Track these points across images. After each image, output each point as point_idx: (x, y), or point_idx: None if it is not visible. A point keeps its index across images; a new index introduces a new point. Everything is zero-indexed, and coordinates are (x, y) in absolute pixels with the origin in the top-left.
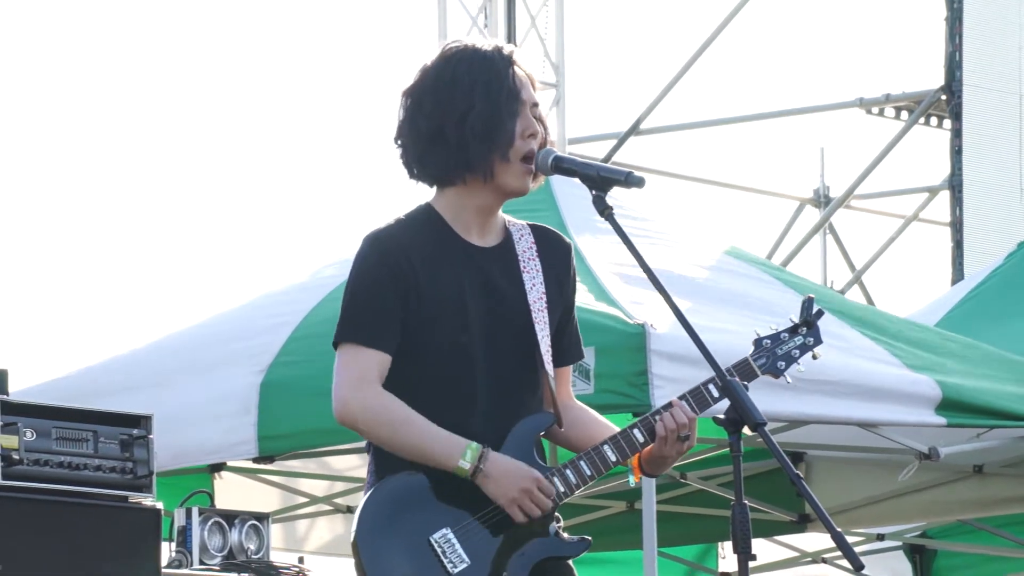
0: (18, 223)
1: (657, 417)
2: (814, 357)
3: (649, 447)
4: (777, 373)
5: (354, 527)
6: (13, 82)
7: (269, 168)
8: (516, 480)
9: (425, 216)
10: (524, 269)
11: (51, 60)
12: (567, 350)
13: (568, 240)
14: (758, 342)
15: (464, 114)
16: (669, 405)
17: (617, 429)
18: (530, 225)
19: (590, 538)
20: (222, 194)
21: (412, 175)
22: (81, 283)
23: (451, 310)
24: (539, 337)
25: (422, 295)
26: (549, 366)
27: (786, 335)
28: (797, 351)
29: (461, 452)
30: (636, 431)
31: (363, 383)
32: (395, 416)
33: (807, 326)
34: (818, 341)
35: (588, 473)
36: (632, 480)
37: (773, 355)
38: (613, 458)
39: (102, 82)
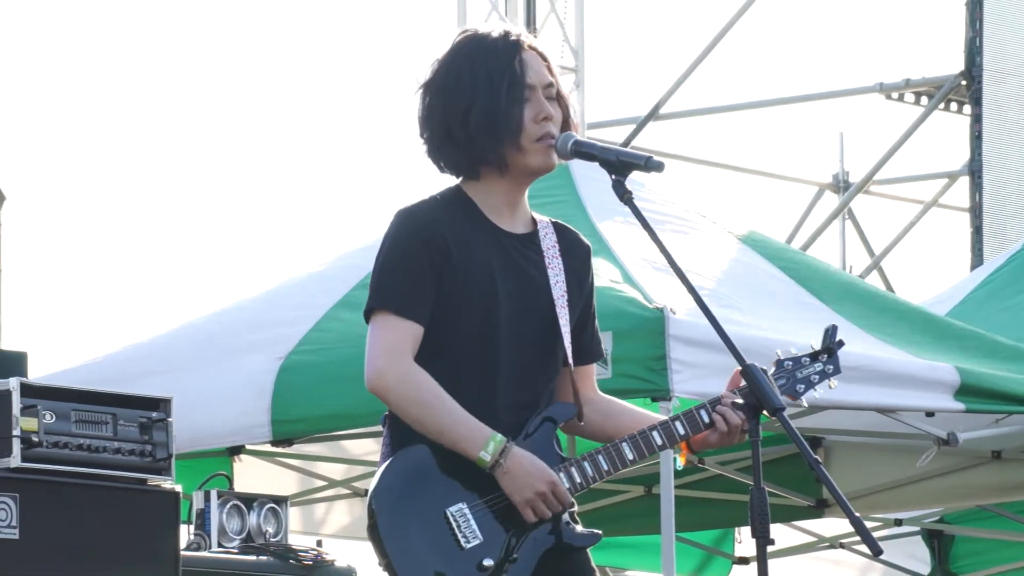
0: (40, 211)
1: (705, 414)
2: (830, 387)
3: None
4: (795, 396)
5: (371, 490)
6: (26, 79)
7: (293, 156)
8: (533, 481)
9: (456, 197)
10: (548, 265)
11: (73, 59)
12: (588, 349)
13: (587, 242)
14: (779, 363)
15: (467, 110)
16: (717, 401)
17: (646, 419)
18: (552, 222)
19: (600, 532)
20: (245, 181)
21: (440, 169)
22: (102, 271)
23: (480, 290)
24: (563, 330)
25: (454, 273)
26: (571, 360)
27: (807, 360)
28: (816, 377)
29: (484, 443)
30: (655, 433)
31: (399, 354)
32: (427, 395)
33: (828, 353)
34: (837, 371)
35: (605, 468)
36: (679, 462)
37: (793, 378)
38: (631, 456)
39: (120, 73)
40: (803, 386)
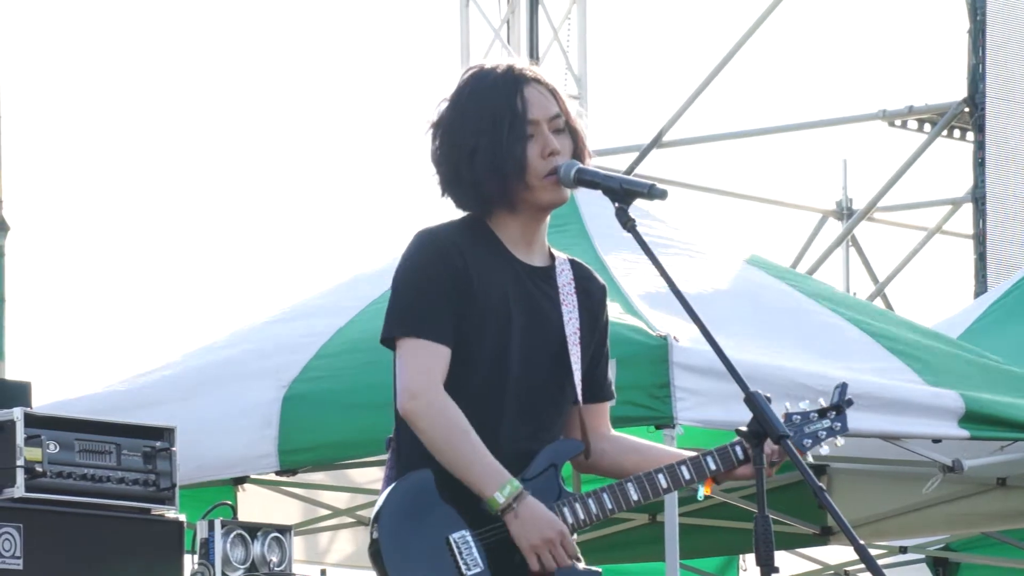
0: (44, 240)
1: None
2: (837, 444)
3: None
4: (802, 450)
5: (374, 513)
6: (29, 109)
7: (298, 183)
8: (542, 529)
9: (476, 224)
10: (563, 302)
11: (76, 89)
12: (601, 387)
13: (603, 281)
14: (788, 416)
15: (472, 152)
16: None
17: (664, 455)
18: (569, 259)
19: (600, 570)
20: (250, 208)
21: (456, 205)
22: (107, 300)
23: (495, 319)
24: (573, 367)
25: (473, 297)
26: (580, 397)
27: (815, 415)
28: (824, 433)
29: (500, 486)
30: (661, 476)
31: (432, 380)
32: (456, 429)
33: (836, 411)
34: (844, 429)
35: (609, 507)
36: (701, 492)
37: (800, 432)
38: (635, 498)
39: (123, 102)
40: (810, 441)
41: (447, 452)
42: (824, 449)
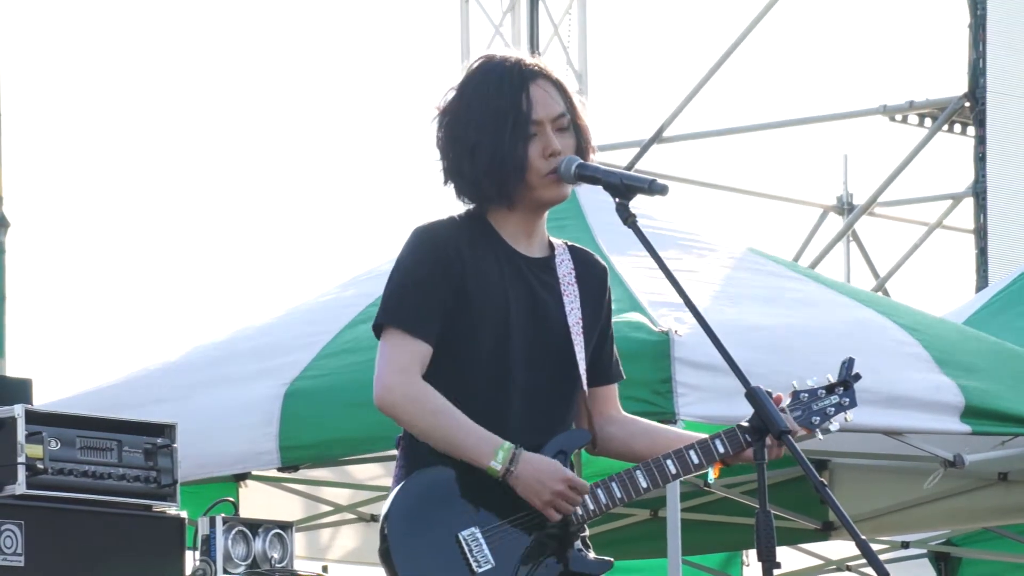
0: (45, 237)
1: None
2: (847, 419)
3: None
4: (811, 428)
5: (384, 513)
6: (30, 105)
7: (298, 181)
8: (547, 483)
9: (475, 218)
10: (564, 292)
11: (76, 85)
12: (607, 370)
13: (604, 263)
14: (795, 394)
15: (472, 149)
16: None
17: (676, 438)
18: (568, 246)
19: (612, 560)
20: (253, 205)
21: (457, 195)
22: (108, 297)
23: (494, 314)
24: (577, 356)
25: (469, 294)
26: (585, 385)
27: (823, 392)
28: (832, 409)
29: (493, 452)
30: (670, 462)
31: (408, 372)
32: (436, 407)
33: (844, 386)
34: (853, 404)
35: (619, 495)
36: (711, 475)
37: (808, 410)
38: (644, 485)
39: (125, 99)
40: (819, 418)
41: (432, 433)
42: (834, 425)
